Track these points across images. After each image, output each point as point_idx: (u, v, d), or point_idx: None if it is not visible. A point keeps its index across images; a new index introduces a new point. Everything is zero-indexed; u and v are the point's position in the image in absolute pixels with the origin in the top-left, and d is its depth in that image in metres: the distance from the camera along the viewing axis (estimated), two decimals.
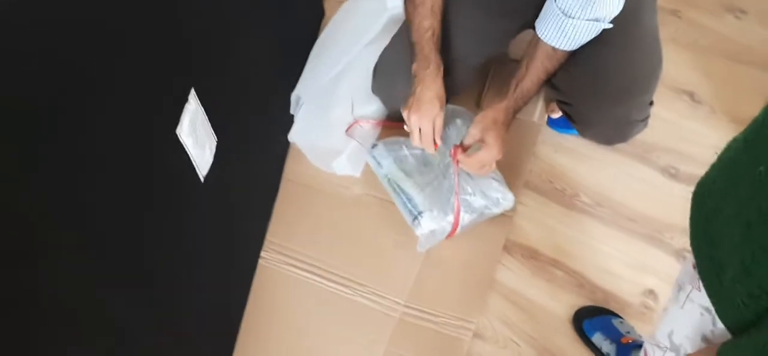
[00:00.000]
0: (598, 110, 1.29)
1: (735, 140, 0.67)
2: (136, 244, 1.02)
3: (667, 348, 0.81)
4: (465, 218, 1.38)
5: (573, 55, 1.23)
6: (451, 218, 1.37)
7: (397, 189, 1.45)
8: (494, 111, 1.28)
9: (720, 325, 0.69)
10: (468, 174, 1.38)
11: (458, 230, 1.39)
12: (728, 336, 0.67)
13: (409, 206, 1.42)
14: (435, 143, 1.33)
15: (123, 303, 1.01)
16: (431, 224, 1.38)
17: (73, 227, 0.85)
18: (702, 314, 0.73)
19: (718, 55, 1.68)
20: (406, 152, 1.48)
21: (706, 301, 0.70)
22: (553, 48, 1.20)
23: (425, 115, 1.29)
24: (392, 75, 1.45)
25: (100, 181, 0.89)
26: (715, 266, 0.66)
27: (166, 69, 1.02)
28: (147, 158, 1.00)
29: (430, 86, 1.29)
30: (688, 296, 0.77)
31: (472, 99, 1.64)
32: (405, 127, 1.35)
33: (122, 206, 0.96)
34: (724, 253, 0.64)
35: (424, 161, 1.47)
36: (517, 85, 1.26)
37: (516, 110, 1.29)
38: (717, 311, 0.68)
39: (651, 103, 1.31)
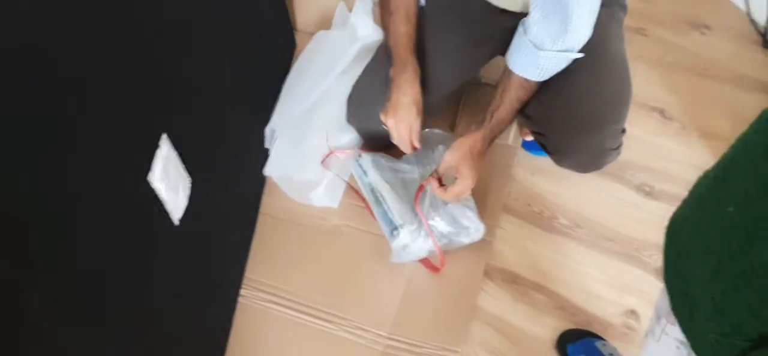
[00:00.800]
0: (571, 139, 1.29)
1: (705, 177, 0.67)
2: (109, 291, 0.99)
3: None
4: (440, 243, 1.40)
5: (544, 85, 1.23)
6: (422, 240, 1.38)
7: (380, 198, 1.45)
8: (470, 140, 1.28)
9: None
10: (442, 201, 1.38)
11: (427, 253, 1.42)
12: None
13: (389, 216, 1.42)
14: (413, 146, 1.34)
15: (101, 351, 0.98)
16: (407, 238, 1.38)
17: (45, 277, 0.83)
18: (677, 347, 0.73)
19: (686, 71, 1.71)
20: (388, 166, 1.49)
21: (681, 335, 0.70)
22: (526, 79, 1.21)
23: (402, 119, 1.30)
24: (366, 104, 1.45)
25: (70, 230, 0.87)
26: (688, 302, 0.66)
27: (136, 115, 1.00)
28: (118, 206, 0.98)
29: (407, 92, 1.29)
30: (663, 330, 0.77)
31: (447, 123, 1.65)
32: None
33: (93, 254, 0.94)
34: (696, 290, 0.64)
35: (404, 184, 1.47)
36: (492, 115, 1.27)
37: (492, 139, 1.30)
38: (693, 347, 0.68)
39: (623, 130, 1.32)
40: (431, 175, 1.35)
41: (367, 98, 1.44)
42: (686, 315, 0.67)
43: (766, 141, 0.56)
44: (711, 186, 0.65)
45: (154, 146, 1.05)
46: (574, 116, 1.24)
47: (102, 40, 0.89)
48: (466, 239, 1.42)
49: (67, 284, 0.88)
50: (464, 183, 1.28)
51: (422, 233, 1.38)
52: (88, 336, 0.95)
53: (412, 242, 1.39)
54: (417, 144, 1.34)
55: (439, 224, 1.39)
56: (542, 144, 1.37)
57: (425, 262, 1.46)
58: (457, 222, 1.39)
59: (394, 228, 1.39)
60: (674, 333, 0.72)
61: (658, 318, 0.80)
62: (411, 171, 1.49)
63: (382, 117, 1.32)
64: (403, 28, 1.31)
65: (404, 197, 1.45)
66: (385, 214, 1.43)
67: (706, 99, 1.65)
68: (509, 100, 1.24)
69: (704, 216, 0.65)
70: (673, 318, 0.71)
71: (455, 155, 1.29)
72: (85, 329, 0.94)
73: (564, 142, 1.31)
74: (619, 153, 1.35)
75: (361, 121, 1.49)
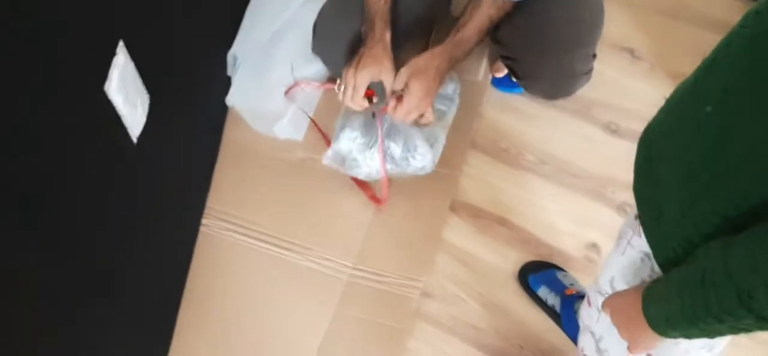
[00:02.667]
0: (541, 62, 1.28)
1: (684, 81, 0.66)
2: (63, 207, 0.96)
3: (608, 293, 0.81)
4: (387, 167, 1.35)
5: (517, 7, 1.21)
6: (369, 154, 1.34)
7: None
8: (426, 57, 1.24)
9: (658, 270, 0.69)
10: (399, 130, 1.34)
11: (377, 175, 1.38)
12: None
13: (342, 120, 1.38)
14: (371, 100, 1.29)
15: (53, 270, 0.95)
16: (348, 144, 1.34)
17: None
18: (642, 259, 0.73)
19: (656, 12, 1.70)
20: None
21: (646, 246, 0.70)
22: None
23: (368, 68, 1.24)
24: (333, 33, 1.41)
25: (21, 141, 0.83)
26: (655, 209, 0.66)
27: (91, 17, 0.95)
28: (72, 116, 0.94)
29: (378, 54, 1.25)
30: (628, 242, 0.77)
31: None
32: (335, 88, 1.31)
33: (46, 167, 0.90)
34: (665, 196, 0.64)
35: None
36: (457, 31, 1.24)
37: (452, 59, 1.25)
38: (654, 255, 0.68)
39: (594, 55, 1.32)
40: (391, 93, 1.29)
41: (334, 26, 1.40)
42: (653, 222, 0.67)
43: (751, 34, 0.55)
44: (689, 89, 0.64)
45: (111, 53, 1.00)
46: (547, 38, 1.23)
47: None
48: (416, 164, 1.35)
49: (15, 197, 0.84)
50: (411, 99, 1.23)
51: (373, 150, 1.34)
52: (40, 255, 0.91)
53: (352, 148, 1.34)
54: (375, 99, 1.29)
55: (392, 146, 1.33)
56: (512, 69, 1.36)
57: (367, 190, 1.44)
58: (407, 145, 1.34)
59: (341, 129, 1.35)
60: (639, 245, 0.72)
61: (621, 235, 0.81)
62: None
63: (345, 70, 1.27)
64: None
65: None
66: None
67: (675, 40, 1.65)
68: (479, 16, 1.22)
69: (680, 120, 0.65)
70: (639, 230, 0.71)
71: (408, 71, 1.24)
72: (36, 245, 0.90)
73: (535, 65, 1.30)
74: (588, 78, 1.35)
75: (327, 51, 1.46)
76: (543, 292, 1.32)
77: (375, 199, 1.43)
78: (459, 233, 1.45)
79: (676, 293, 0.59)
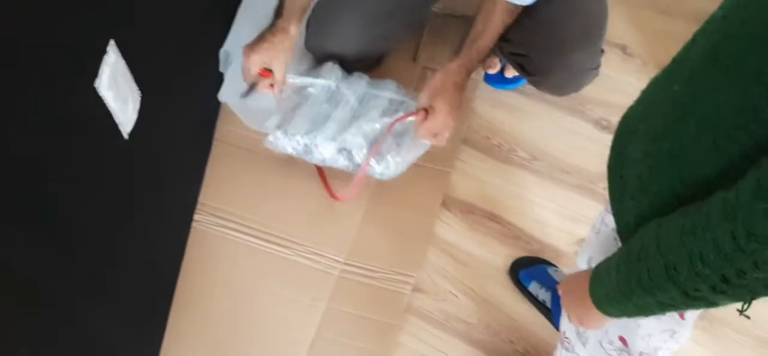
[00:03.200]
0: (552, 59, 1.29)
1: (663, 69, 0.67)
2: (54, 203, 0.96)
3: None
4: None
5: (526, 7, 1.22)
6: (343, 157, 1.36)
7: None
8: (445, 74, 1.23)
9: None
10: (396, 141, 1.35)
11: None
12: None
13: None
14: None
15: (44, 265, 0.96)
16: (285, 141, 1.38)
17: None
18: (615, 238, 0.74)
19: (648, 8, 1.71)
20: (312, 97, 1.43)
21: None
22: (515, 4, 1.19)
23: (261, 54, 1.28)
24: (327, 27, 1.42)
25: (11, 138, 0.83)
26: (621, 184, 0.67)
27: (82, 16, 0.96)
28: (63, 113, 0.94)
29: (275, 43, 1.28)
30: (602, 220, 0.78)
31: (409, 55, 1.62)
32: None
33: (38, 163, 0.90)
34: (629, 171, 0.65)
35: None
36: (473, 43, 1.23)
37: (470, 71, 1.24)
38: (617, 230, 0.69)
39: (602, 51, 1.33)
40: (418, 109, 1.28)
41: (328, 21, 1.41)
42: (618, 197, 0.68)
43: (722, 14, 0.56)
44: (667, 70, 0.66)
45: (102, 51, 1.00)
46: (557, 36, 1.24)
47: None
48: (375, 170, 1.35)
49: (5, 193, 0.84)
50: (437, 118, 1.23)
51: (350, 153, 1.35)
52: (30, 251, 0.92)
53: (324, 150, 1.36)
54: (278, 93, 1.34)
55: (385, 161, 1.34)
56: (522, 66, 1.35)
57: (326, 183, 1.44)
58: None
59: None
60: (611, 222, 0.73)
61: (599, 214, 0.82)
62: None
63: (247, 50, 1.30)
64: None
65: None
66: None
67: (667, 36, 1.65)
68: (493, 26, 1.21)
69: (651, 99, 0.66)
70: (610, 208, 0.72)
71: (428, 91, 1.24)
72: (26, 241, 0.91)
73: (546, 62, 1.30)
74: (597, 73, 1.36)
75: (321, 45, 1.46)
76: (534, 287, 1.33)
77: (331, 195, 1.43)
78: (451, 229, 1.45)
79: (615, 267, 0.60)
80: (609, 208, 0.74)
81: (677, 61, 0.64)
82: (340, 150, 1.36)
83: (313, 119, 1.38)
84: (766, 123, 0.47)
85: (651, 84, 0.68)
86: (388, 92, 1.38)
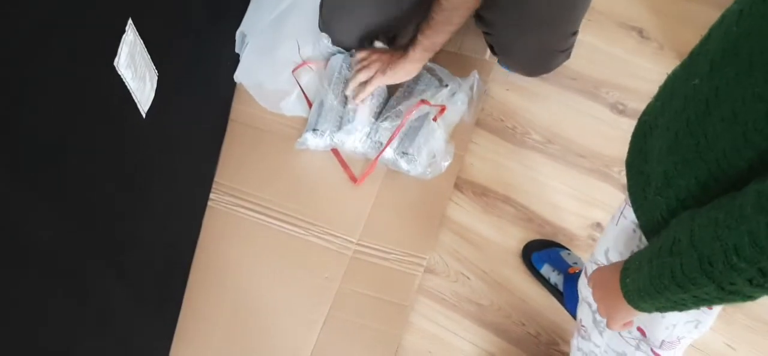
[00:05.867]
0: (519, 38, 1.28)
1: (681, 64, 0.67)
2: (76, 180, 0.98)
3: (604, 264, 0.82)
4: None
5: None
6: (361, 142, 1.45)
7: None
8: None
9: (646, 242, 0.70)
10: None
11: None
12: None
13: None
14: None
15: (64, 242, 0.98)
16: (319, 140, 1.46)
17: (7, 165, 0.81)
18: (634, 229, 0.74)
19: None
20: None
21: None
22: None
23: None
24: (341, 10, 1.42)
25: (34, 116, 0.85)
26: (643, 180, 0.67)
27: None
28: (83, 91, 0.96)
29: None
30: (622, 212, 0.78)
31: None
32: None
33: (59, 140, 0.92)
34: (652, 167, 0.65)
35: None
36: (438, 13, 1.25)
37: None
38: (641, 225, 0.69)
39: (574, 33, 1.32)
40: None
41: (341, 3, 1.41)
42: (640, 193, 0.68)
43: (739, 8, 0.56)
44: (685, 64, 0.65)
45: (121, 31, 1.01)
46: (524, 14, 1.23)
47: None
48: (406, 167, 1.43)
49: (29, 168, 0.86)
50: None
51: (369, 135, 1.44)
52: (54, 225, 0.94)
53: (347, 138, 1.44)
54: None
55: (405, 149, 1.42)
56: (490, 45, 1.37)
57: (346, 167, 1.47)
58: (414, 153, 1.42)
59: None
60: (631, 215, 0.73)
61: (619, 207, 0.82)
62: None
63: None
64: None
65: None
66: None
67: (684, 19, 1.64)
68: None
69: (671, 94, 0.65)
70: (630, 200, 0.72)
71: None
72: (50, 215, 0.93)
73: (513, 40, 1.31)
74: (567, 56, 1.35)
75: (335, 27, 1.47)
76: (546, 270, 1.33)
77: (352, 177, 1.46)
78: (463, 211, 1.46)
79: (647, 261, 0.60)
80: (628, 199, 0.74)
81: (694, 55, 0.63)
82: (369, 141, 1.44)
83: (338, 113, 1.45)
84: None
85: (669, 79, 0.68)
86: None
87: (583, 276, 0.92)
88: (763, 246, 0.46)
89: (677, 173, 0.60)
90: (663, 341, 0.79)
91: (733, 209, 0.50)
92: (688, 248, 0.54)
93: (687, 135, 0.59)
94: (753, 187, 0.49)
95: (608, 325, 0.71)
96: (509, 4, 1.23)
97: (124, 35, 1.03)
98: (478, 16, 1.30)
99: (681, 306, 0.57)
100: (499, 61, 1.61)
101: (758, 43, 0.51)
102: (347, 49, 1.51)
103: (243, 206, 1.47)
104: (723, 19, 0.60)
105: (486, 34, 1.36)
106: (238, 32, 1.54)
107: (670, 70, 0.71)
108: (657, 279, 0.57)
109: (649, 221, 0.66)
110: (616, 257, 0.78)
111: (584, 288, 0.91)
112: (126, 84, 1.05)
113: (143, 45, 1.09)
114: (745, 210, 0.48)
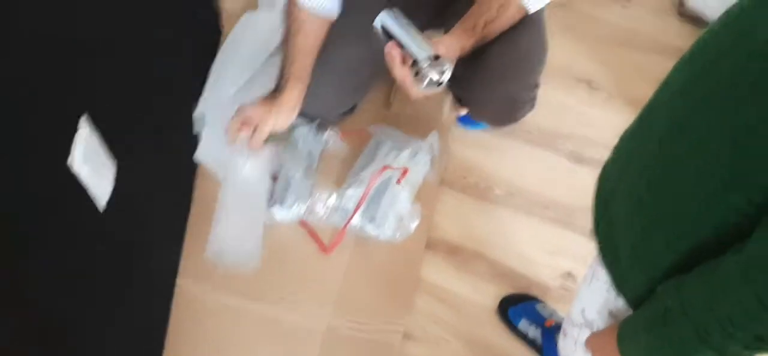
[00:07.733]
0: (484, 92, 1.31)
1: (631, 124, 0.69)
2: (29, 284, 0.93)
3: (582, 324, 0.83)
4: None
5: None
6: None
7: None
8: (461, 40, 1.21)
9: (621, 301, 0.71)
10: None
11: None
12: (630, 310, 0.69)
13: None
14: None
15: (31, 348, 0.92)
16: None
17: None
18: (607, 290, 0.75)
19: (611, 42, 1.76)
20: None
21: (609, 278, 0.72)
22: (526, 7, 1.20)
23: (280, 119, 1.37)
24: (322, 89, 1.43)
25: None
26: (612, 249, 0.68)
27: (52, 92, 0.94)
28: (36, 192, 0.92)
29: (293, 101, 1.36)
30: (594, 274, 0.79)
31: (380, 100, 1.64)
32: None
33: (10, 243, 0.88)
34: (618, 234, 0.66)
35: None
36: (485, 25, 1.21)
37: (472, 45, 1.23)
38: (617, 289, 0.70)
39: (536, 85, 1.36)
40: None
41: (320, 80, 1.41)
42: (612, 260, 0.69)
43: (681, 79, 0.58)
44: (635, 128, 0.67)
45: (73, 129, 0.99)
46: (486, 69, 1.26)
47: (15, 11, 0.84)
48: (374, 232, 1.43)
49: None
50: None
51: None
52: (17, 338, 0.89)
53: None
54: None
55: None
56: (459, 99, 1.40)
57: (315, 237, 1.46)
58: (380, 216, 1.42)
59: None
60: (604, 276, 0.74)
61: (590, 267, 0.83)
62: None
63: (259, 107, 1.38)
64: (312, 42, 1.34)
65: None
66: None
67: (629, 68, 1.71)
68: (505, 18, 1.21)
69: (628, 158, 0.67)
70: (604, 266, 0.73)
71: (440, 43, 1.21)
72: (11, 329, 0.88)
73: (479, 94, 1.33)
74: (532, 106, 1.38)
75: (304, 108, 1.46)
76: (523, 325, 1.33)
77: (323, 248, 1.45)
78: (436, 271, 1.45)
79: (643, 330, 0.61)
80: (599, 262, 0.74)
81: (643, 120, 0.65)
82: (337, 208, 1.44)
83: (304, 185, 1.46)
84: (751, 185, 0.49)
85: (623, 140, 0.70)
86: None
87: (561, 334, 0.93)
88: (755, 315, 0.47)
89: (644, 238, 0.61)
90: None
91: (718, 281, 0.51)
92: (682, 319, 0.54)
93: (649, 199, 0.60)
94: (731, 259, 0.50)
95: None
96: (473, 60, 1.25)
97: (77, 133, 1.00)
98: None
99: None
100: (457, 120, 1.64)
101: (703, 121, 0.53)
102: (311, 120, 1.51)
103: (212, 288, 1.42)
104: (666, 84, 0.63)
105: (452, 89, 1.38)
106: (195, 114, 1.52)
107: (619, 117, 0.73)
108: (657, 349, 0.58)
109: (629, 290, 0.67)
110: (594, 316, 0.79)
111: (563, 347, 0.92)
112: (82, 182, 1.02)
113: (99, 139, 1.06)
114: (730, 283, 0.49)
